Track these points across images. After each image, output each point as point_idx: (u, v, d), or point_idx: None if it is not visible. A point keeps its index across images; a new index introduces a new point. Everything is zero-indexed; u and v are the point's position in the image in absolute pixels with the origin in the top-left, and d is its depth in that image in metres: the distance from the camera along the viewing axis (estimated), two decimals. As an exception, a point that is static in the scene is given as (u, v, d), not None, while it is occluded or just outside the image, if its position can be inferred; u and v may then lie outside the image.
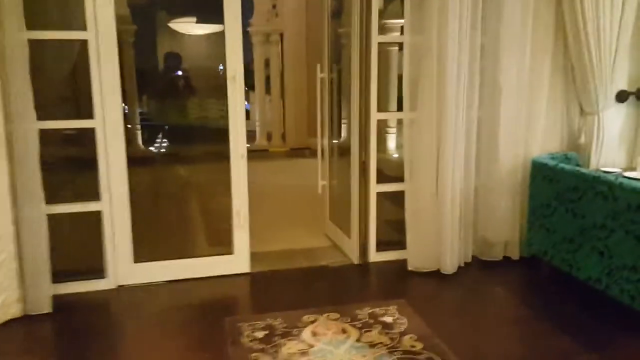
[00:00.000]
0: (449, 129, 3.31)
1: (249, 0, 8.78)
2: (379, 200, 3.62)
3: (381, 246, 3.67)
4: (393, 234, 3.76)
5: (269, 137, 8.78)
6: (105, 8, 2.99)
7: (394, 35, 4.51)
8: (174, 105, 13.79)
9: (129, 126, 8.55)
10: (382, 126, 6.10)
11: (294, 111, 8.67)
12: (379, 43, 3.42)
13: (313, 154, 7.97)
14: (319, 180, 4.19)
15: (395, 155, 6.18)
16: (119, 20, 3.10)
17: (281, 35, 8.77)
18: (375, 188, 3.58)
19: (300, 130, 8.67)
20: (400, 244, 3.55)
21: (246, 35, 8.98)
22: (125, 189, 3.18)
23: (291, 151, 8.30)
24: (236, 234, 3.41)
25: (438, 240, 3.41)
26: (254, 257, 3.51)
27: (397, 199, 3.54)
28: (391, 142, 7.02)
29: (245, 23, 8.85)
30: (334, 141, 4.33)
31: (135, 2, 8.73)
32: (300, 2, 8.82)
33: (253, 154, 8.81)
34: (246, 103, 11.71)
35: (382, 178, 3.61)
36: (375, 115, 3.50)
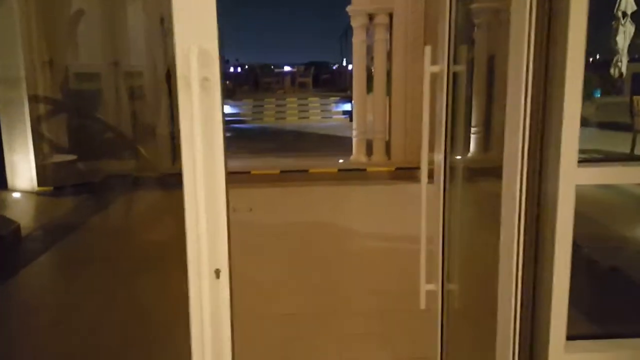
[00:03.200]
0: None
1: (349, -29, 6.76)
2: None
3: None
4: None
5: (369, 149, 6.70)
6: None
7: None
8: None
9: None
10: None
11: (403, 116, 6.51)
12: None
13: (428, 176, 5.86)
14: (422, 282, 2.06)
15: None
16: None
17: (390, 15, 6.64)
18: None
19: (412, 142, 6.48)
20: None
21: (344, 18, 6.99)
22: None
23: (397, 172, 6.16)
24: None
25: None
26: None
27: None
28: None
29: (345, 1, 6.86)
30: (458, 157, 2.19)
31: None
32: (418, -29, 6.64)
33: (345, 175, 6.90)
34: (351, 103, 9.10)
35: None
36: (573, 174, 1.29)
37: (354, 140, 6.75)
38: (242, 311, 2.79)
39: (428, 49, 2.00)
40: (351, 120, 8.21)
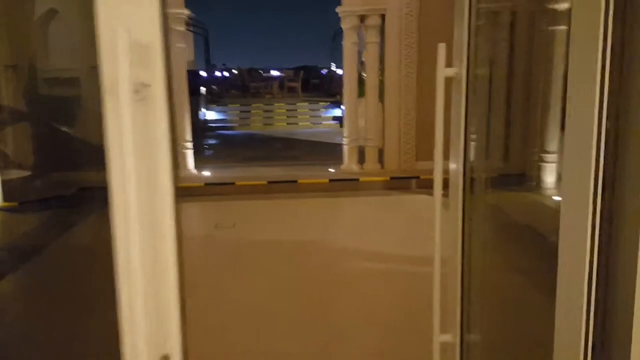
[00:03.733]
0: None
1: (339, -30, 6.40)
2: None
3: None
4: None
5: (361, 157, 6.34)
6: None
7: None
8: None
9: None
10: None
11: (397, 122, 6.16)
12: None
13: (424, 186, 5.47)
14: (435, 331, 1.68)
15: None
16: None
17: (382, 16, 6.29)
18: None
19: (407, 149, 6.13)
20: None
21: (335, 20, 6.63)
22: None
23: (392, 182, 5.79)
24: None
25: None
26: None
27: None
28: None
29: (335, 2, 6.51)
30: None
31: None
32: (411, -30, 6.29)
33: (336, 186, 6.50)
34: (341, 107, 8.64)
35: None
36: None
37: (345, 148, 6.37)
38: (218, 348, 2.39)
39: (442, 48, 1.61)
40: (342, 126, 7.85)
